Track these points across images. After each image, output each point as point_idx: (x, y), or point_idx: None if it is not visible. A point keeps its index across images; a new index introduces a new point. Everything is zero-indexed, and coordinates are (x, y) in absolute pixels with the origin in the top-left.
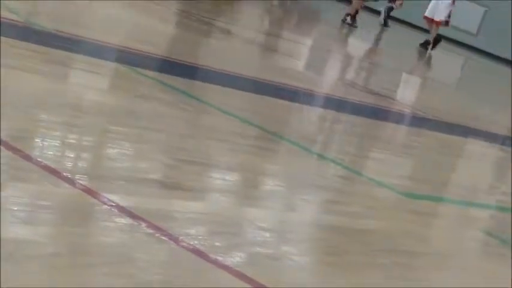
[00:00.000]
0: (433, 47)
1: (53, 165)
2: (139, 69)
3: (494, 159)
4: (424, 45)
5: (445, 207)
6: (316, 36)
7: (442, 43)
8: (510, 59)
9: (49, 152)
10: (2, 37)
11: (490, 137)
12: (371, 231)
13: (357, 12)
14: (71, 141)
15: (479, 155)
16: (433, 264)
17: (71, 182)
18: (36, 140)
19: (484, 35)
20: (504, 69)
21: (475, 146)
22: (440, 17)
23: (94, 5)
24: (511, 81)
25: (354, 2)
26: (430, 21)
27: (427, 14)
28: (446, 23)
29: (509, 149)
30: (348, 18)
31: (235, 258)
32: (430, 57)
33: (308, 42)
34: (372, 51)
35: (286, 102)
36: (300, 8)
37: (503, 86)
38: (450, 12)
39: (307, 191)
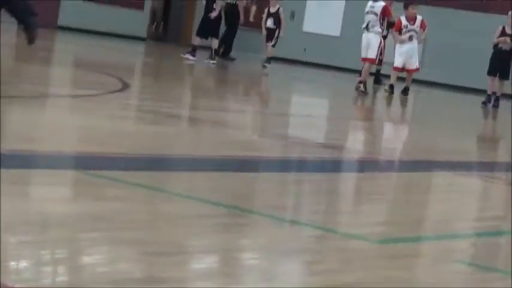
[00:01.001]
0: (406, 93)
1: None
2: (94, 172)
3: (462, 188)
4: (405, 91)
5: (422, 246)
6: (262, 102)
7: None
8: (454, 84)
9: (23, 274)
10: None
11: (452, 166)
12: (351, 284)
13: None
14: (43, 257)
15: (446, 186)
16: None
17: None
18: (8, 264)
19: (427, 66)
20: (450, 94)
21: (440, 178)
22: (415, 65)
23: (38, 116)
24: (453, 104)
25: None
26: (401, 70)
27: (399, 64)
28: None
29: (475, 173)
30: (362, 86)
31: None
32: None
33: (256, 109)
34: (318, 105)
35: (246, 174)
36: (240, 76)
37: (452, 112)
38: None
39: (284, 257)
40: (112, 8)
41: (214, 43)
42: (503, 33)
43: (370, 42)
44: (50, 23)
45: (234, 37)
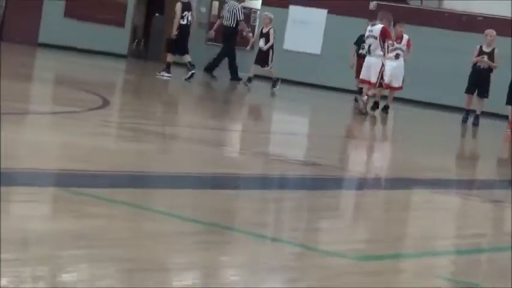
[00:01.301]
0: (386, 111)
1: None
2: (75, 189)
3: (441, 205)
4: (385, 109)
5: (402, 262)
6: (243, 119)
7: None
8: (434, 102)
9: None
10: None
11: (433, 184)
12: None
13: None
14: (24, 275)
15: (426, 203)
16: None
17: None
18: None
19: (407, 84)
20: (430, 112)
21: (420, 196)
22: (398, 83)
23: (18, 133)
24: (437, 122)
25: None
26: (386, 86)
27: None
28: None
29: (455, 191)
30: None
31: None
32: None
33: (236, 126)
34: (298, 122)
35: (226, 192)
36: (222, 94)
37: (433, 130)
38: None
39: (264, 275)
40: (93, 25)
41: (185, 58)
42: (480, 51)
43: (372, 66)
44: (31, 39)
45: (224, 57)
